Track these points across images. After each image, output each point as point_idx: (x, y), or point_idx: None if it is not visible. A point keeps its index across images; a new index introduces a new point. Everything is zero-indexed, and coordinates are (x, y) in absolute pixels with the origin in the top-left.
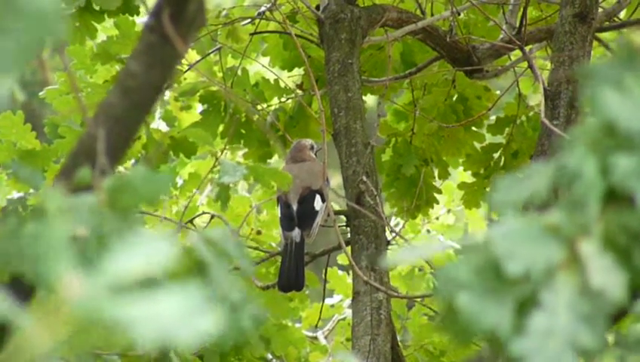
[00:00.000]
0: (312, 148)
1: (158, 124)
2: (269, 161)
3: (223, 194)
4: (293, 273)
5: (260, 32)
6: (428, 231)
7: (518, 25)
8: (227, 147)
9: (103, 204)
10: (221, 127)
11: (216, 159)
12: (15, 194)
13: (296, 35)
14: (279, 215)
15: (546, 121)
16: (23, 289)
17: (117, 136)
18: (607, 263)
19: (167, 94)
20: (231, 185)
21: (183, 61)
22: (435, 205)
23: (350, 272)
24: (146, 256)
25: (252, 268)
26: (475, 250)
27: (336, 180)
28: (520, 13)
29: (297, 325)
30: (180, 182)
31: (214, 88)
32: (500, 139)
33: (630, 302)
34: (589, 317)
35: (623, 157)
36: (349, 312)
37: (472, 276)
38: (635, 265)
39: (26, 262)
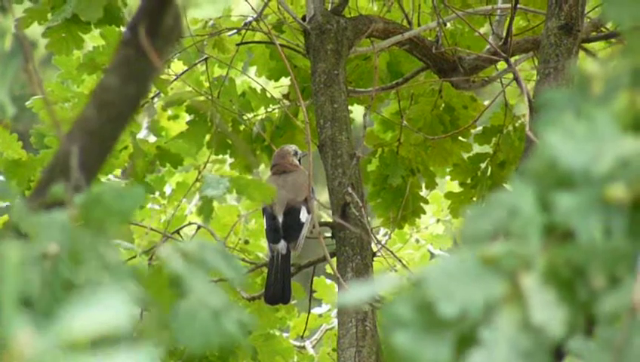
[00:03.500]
0: (295, 153)
1: (145, 133)
2: (255, 170)
3: (206, 208)
4: (279, 286)
5: (247, 43)
6: (417, 240)
7: (504, 35)
8: (210, 159)
9: (75, 220)
10: (207, 137)
11: (199, 172)
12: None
13: (282, 45)
14: (265, 227)
15: (531, 134)
16: None
17: (93, 150)
18: (548, 298)
19: (155, 104)
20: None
21: (170, 71)
22: (423, 215)
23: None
24: (101, 314)
25: (242, 277)
26: (419, 286)
27: (322, 192)
28: (507, 24)
29: (285, 335)
30: (168, 191)
31: (201, 98)
32: (487, 148)
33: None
34: (530, 352)
35: (564, 196)
36: (336, 322)
37: (412, 313)
38: (579, 299)
39: None
